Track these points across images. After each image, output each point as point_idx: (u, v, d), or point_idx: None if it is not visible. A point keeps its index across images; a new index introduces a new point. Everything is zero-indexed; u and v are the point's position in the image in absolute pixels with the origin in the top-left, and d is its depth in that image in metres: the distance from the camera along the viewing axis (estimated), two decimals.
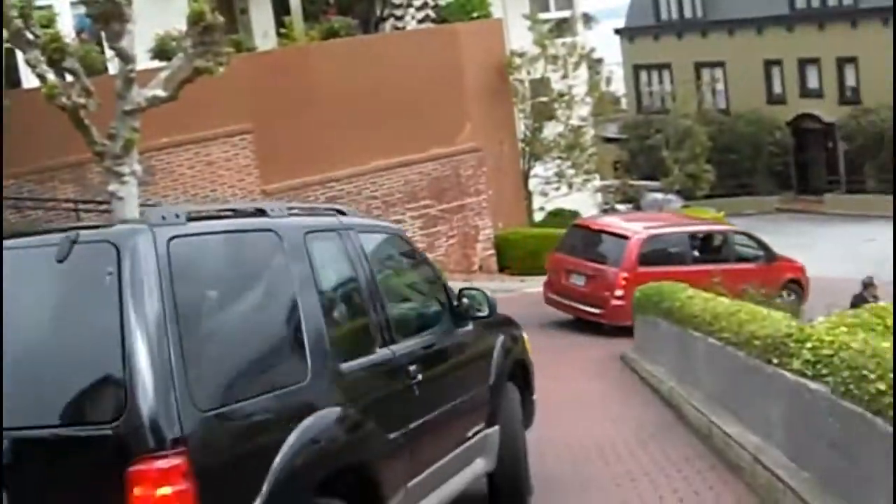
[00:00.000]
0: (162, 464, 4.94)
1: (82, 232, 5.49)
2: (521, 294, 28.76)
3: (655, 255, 23.15)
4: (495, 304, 9.26)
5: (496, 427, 9.30)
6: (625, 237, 23.14)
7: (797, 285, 25.50)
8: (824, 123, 49.47)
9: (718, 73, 53.82)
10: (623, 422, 15.08)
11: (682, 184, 41.48)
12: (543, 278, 25.98)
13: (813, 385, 9.74)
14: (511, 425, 9.63)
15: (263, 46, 31.06)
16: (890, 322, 11.06)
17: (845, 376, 9.04)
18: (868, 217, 43.17)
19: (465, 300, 8.97)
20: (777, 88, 51.75)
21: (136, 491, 4.91)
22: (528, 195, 36.33)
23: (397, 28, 34.32)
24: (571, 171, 36.18)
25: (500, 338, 9.82)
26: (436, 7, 34.47)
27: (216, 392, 5.46)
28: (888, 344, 9.07)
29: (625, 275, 22.01)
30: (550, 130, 36.42)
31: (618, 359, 20.26)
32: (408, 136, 29.56)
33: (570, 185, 36.08)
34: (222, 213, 6.77)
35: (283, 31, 31.22)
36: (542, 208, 36.58)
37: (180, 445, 5.01)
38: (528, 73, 35.57)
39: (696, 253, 24.36)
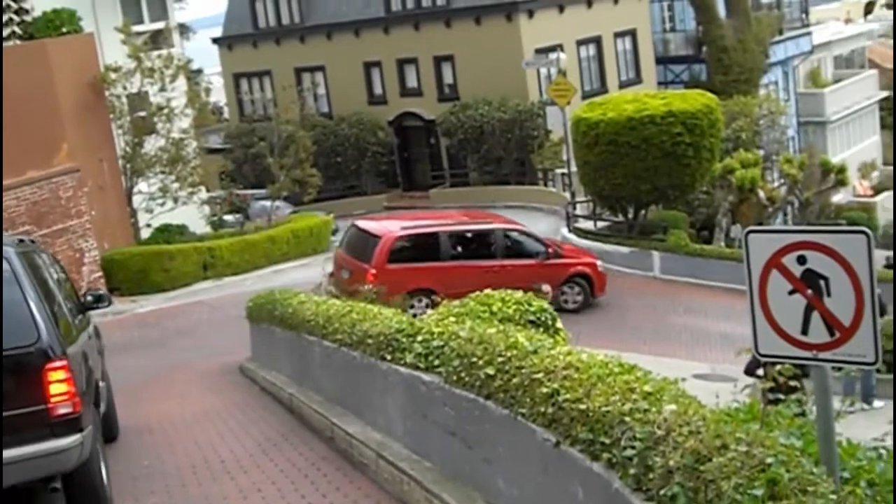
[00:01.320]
0: (58, 364, 9.48)
1: None
2: (132, 315, 27.92)
3: (408, 252, 24.58)
4: (109, 297, 14.85)
5: (105, 382, 13.66)
6: (378, 236, 24.53)
7: (584, 280, 26.36)
8: (425, 121, 50.68)
9: (319, 77, 54.10)
10: (246, 433, 14.86)
11: (289, 189, 41.49)
12: (156, 296, 25.44)
13: (427, 377, 9.85)
14: (108, 382, 14.33)
15: None
16: (496, 308, 11.34)
17: (456, 365, 9.18)
18: (472, 208, 44.63)
19: (89, 297, 13.80)
20: (378, 89, 52.57)
21: (49, 377, 9.39)
22: (133, 213, 35.33)
23: None
24: (176, 185, 35.46)
25: (95, 323, 14.63)
26: (22, 23, 32.84)
27: (61, 331, 9.99)
28: (494, 329, 9.28)
29: (373, 270, 23.41)
30: (152, 145, 35.54)
31: (237, 370, 20.01)
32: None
33: (176, 200, 35.36)
34: (24, 240, 11.42)
35: None
36: (148, 225, 35.66)
37: (63, 356, 9.58)
38: (125, 87, 34.54)
39: (459, 250, 25.42)
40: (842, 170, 43.07)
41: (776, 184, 45.66)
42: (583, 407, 6.88)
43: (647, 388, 6.71)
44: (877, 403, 17.37)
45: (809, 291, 5.84)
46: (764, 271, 6.00)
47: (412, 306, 22.56)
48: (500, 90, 46.64)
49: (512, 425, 7.95)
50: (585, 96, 43.72)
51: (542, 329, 10.92)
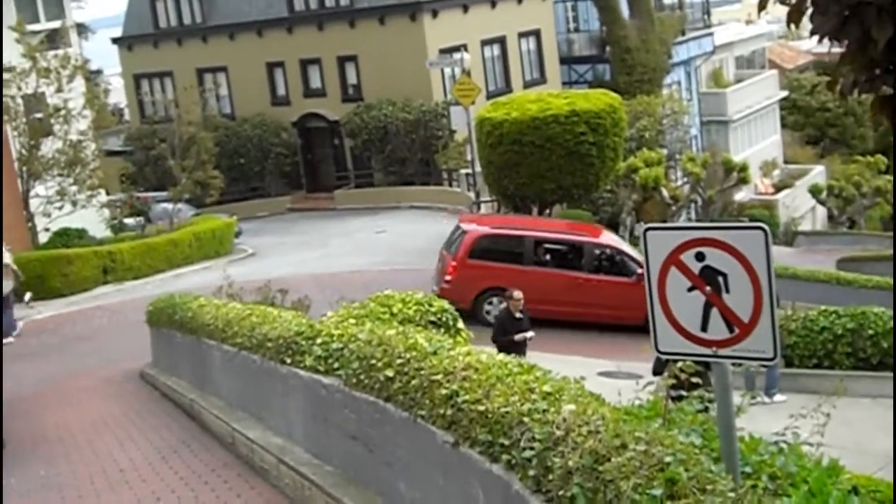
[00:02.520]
0: None
1: None
2: (30, 322, 27.27)
3: (490, 251, 25.39)
4: None
5: None
6: (465, 232, 25.69)
7: None
8: (329, 122, 50.36)
9: (221, 77, 53.44)
10: (146, 440, 14.57)
11: (191, 192, 40.87)
12: (55, 302, 24.91)
13: (327, 380, 9.70)
14: None
15: None
16: (396, 309, 11.21)
17: (355, 368, 9.04)
18: (378, 209, 44.54)
19: None
20: (281, 90, 52.12)
21: None
22: (30, 217, 34.58)
23: None
24: (74, 188, 34.76)
25: None
26: None
27: None
28: (393, 331, 9.15)
29: (454, 263, 24.83)
30: (49, 147, 34.80)
31: (138, 376, 19.63)
32: None
33: (75, 203, 34.65)
34: None
35: None
36: (46, 229, 34.90)
37: None
38: (20, 88, 33.80)
39: (546, 257, 25.85)
40: (743, 168, 43.61)
41: (679, 182, 46.14)
42: (482, 408, 6.78)
43: (546, 387, 6.61)
44: (778, 397, 17.51)
45: (708, 288, 5.78)
46: (663, 268, 5.94)
47: (489, 306, 24.11)
48: (405, 90, 46.55)
49: (412, 428, 7.84)
50: (490, 96, 43.73)
51: (443, 329, 10.81)
